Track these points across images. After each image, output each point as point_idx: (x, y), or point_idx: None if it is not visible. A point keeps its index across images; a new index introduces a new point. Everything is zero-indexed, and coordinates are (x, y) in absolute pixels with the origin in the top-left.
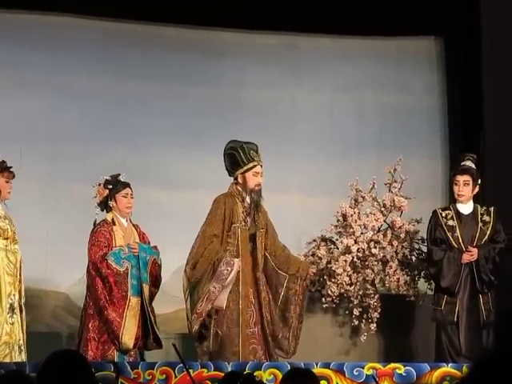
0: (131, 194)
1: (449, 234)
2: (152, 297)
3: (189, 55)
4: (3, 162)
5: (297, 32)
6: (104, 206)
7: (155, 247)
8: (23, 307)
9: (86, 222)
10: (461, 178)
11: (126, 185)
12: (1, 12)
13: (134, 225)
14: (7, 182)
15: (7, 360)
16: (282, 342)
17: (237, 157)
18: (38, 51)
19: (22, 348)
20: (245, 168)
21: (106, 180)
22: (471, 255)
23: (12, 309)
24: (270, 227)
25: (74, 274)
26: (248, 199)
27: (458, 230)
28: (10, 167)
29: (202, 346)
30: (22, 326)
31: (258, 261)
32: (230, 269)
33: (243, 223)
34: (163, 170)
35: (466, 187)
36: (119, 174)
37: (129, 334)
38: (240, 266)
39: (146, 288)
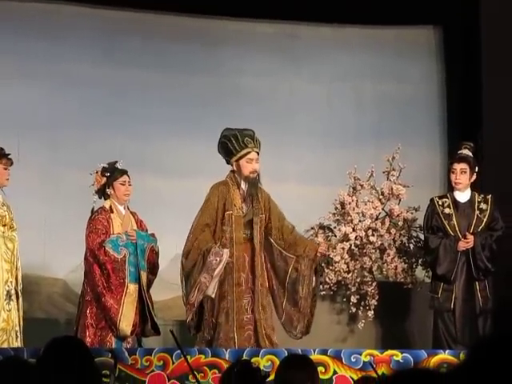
0: (129, 182)
1: (445, 222)
2: (149, 284)
3: (188, 44)
4: (1, 149)
5: (296, 21)
6: (102, 193)
7: (153, 234)
8: (20, 294)
9: (85, 209)
10: (458, 166)
11: (124, 172)
12: (5, 1)
13: (131, 212)
14: (5, 169)
15: (5, 346)
16: (289, 324)
17: (229, 145)
18: (38, 39)
19: (18, 334)
20: (238, 155)
21: (104, 168)
22: (467, 242)
23: (9, 295)
24: (273, 211)
25: (72, 260)
26: (243, 186)
27: (454, 218)
28: (8, 154)
29: (199, 334)
30: (18, 313)
31: (256, 247)
32: (218, 259)
33: (238, 210)
34: (162, 157)
35: (463, 175)
36: (116, 162)
37: (126, 320)
38: (234, 255)
39: (143, 275)
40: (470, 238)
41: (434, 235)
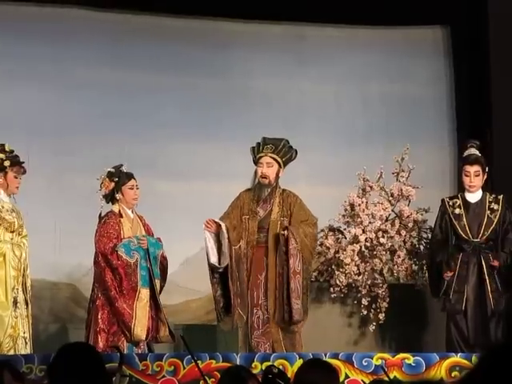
0: (136, 185)
1: (455, 223)
2: (160, 290)
3: (196, 46)
4: (15, 156)
5: (303, 22)
6: (110, 198)
7: (159, 239)
8: (29, 302)
9: (94, 213)
10: (471, 169)
11: (131, 176)
12: (12, 5)
13: (138, 216)
14: (16, 178)
15: (11, 353)
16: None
17: (252, 152)
18: (46, 43)
19: (27, 341)
20: (256, 161)
21: (110, 172)
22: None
23: (15, 303)
24: (295, 216)
25: (83, 265)
26: (259, 191)
27: (464, 219)
28: (22, 162)
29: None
30: (28, 320)
31: (268, 250)
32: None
33: (253, 214)
34: (170, 161)
35: (477, 178)
36: (122, 165)
37: (141, 325)
38: (249, 258)
39: (157, 283)
40: (496, 263)
41: (438, 247)
